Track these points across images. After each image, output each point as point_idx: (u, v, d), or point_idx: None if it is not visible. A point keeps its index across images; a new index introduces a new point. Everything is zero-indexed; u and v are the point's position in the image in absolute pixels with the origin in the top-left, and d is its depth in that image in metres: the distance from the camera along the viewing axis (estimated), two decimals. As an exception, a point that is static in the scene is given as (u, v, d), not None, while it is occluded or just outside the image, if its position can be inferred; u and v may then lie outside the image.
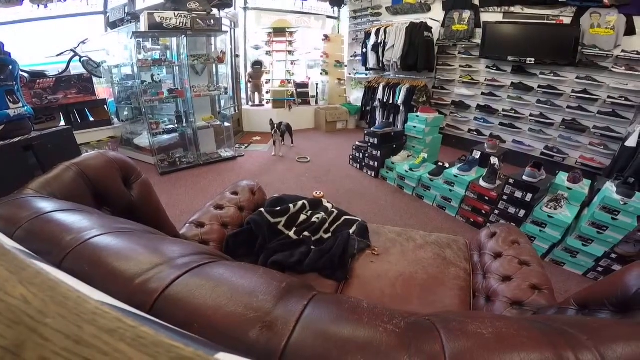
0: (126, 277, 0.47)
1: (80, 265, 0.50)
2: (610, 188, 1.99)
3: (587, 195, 2.24)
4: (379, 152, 3.42)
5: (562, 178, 2.38)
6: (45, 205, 0.65)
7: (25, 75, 3.22)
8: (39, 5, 3.72)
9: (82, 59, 3.75)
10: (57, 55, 3.76)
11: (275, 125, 4.00)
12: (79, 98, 3.70)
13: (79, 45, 3.79)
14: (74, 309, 0.25)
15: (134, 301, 0.40)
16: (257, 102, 5.68)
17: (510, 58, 3.88)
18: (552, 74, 3.64)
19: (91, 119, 3.96)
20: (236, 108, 5.30)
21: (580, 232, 2.02)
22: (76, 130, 2.50)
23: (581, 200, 2.23)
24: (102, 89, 4.23)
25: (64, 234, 0.55)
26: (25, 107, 2.00)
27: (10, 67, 1.91)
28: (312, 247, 1.31)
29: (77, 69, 3.79)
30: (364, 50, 5.27)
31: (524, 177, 2.22)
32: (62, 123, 3.64)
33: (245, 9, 5.32)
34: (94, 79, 3.88)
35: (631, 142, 2.84)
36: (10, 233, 0.56)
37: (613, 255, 1.92)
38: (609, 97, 3.29)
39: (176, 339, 0.25)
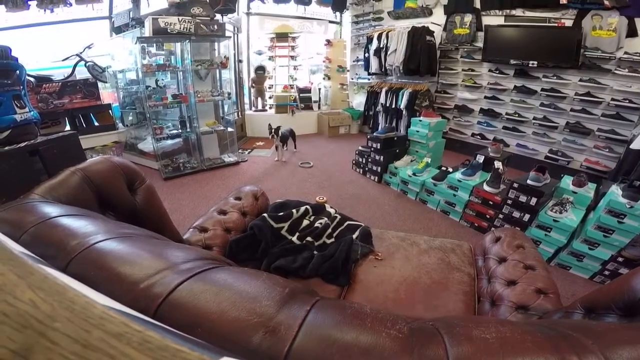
0: (130, 281, 0.47)
1: (85, 270, 0.50)
2: (615, 191, 1.98)
3: (592, 199, 2.22)
4: (381, 157, 3.42)
5: (567, 182, 2.37)
6: (51, 210, 0.66)
7: (32, 79, 3.26)
8: (45, 10, 3.78)
9: (87, 64, 3.79)
10: (63, 60, 3.80)
11: (274, 130, 3.97)
12: (84, 103, 3.74)
13: (84, 50, 3.83)
14: (81, 313, 0.25)
15: (138, 306, 0.40)
16: (260, 107, 5.71)
17: (512, 61, 3.87)
18: (555, 77, 3.63)
19: (96, 123, 4.00)
20: (239, 113, 5.33)
21: (586, 235, 2.00)
22: (81, 135, 2.52)
23: (586, 203, 2.21)
24: (107, 94, 4.26)
25: (69, 239, 0.56)
26: (32, 112, 2.03)
27: (17, 71, 1.94)
28: (315, 252, 1.31)
29: (82, 73, 3.83)
30: (366, 54, 5.29)
31: (528, 181, 2.21)
32: (68, 128, 3.68)
33: (248, 14, 5.36)
34: (99, 84, 3.92)
35: (636, 145, 2.82)
36: (16, 237, 0.56)
37: (620, 259, 1.90)
38: (612, 99, 3.28)
39: (181, 343, 0.25)
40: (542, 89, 3.76)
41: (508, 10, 3.94)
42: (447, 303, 1.12)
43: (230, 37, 4.29)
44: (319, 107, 6.04)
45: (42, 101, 3.40)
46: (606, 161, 3.41)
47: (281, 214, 1.45)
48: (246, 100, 5.75)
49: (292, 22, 5.70)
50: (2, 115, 1.85)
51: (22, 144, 1.88)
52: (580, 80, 3.46)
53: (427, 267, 1.27)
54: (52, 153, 1.99)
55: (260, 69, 5.47)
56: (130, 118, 4.22)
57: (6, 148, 1.80)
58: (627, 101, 3.19)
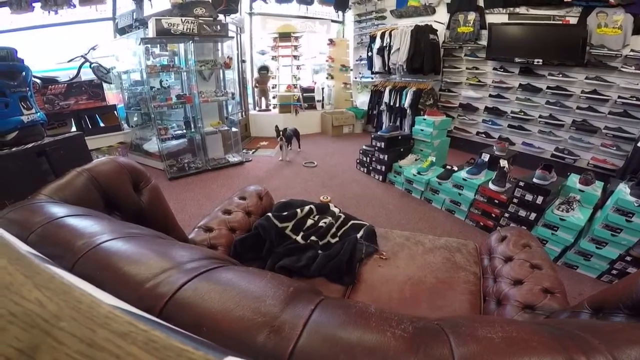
0: (136, 281, 0.48)
1: (91, 269, 0.51)
2: (623, 189, 1.95)
3: (599, 197, 2.19)
4: (386, 156, 3.41)
5: (574, 180, 2.34)
6: (58, 210, 0.66)
7: (38, 81, 3.29)
8: (49, 12, 3.82)
9: (92, 65, 3.82)
10: (68, 62, 3.84)
11: (281, 132, 4.02)
12: (90, 104, 3.77)
13: (89, 51, 3.86)
14: (87, 312, 0.25)
15: (143, 305, 0.41)
16: (263, 107, 5.72)
17: (517, 59, 3.84)
18: (560, 75, 3.60)
19: (101, 124, 4.03)
20: (243, 113, 5.34)
21: (593, 234, 1.98)
22: (87, 136, 2.53)
23: (594, 202, 2.19)
24: (112, 95, 4.30)
25: (76, 239, 0.56)
26: (38, 113, 2.04)
27: (24, 73, 1.95)
28: (320, 251, 1.31)
29: (87, 75, 3.87)
30: (369, 53, 5.28)
31: (535, 180, 2.19)
32: (74, 129, 3.72)
33: (250, 14, 5.37)
34: (104, 85, 3.95)
35: (644, 143, 2.79)
36: (24, 237, 0.57)
37: (628, 258, 1.87)
38: (619, 97, 3.24)
39: (186, 342, 0.26)
40: (548, 87, 3.73)
41: (512, 8, 3.91)
42: (452, 302, 1.11)
43: (233, 37, 4.30)
44: (323, 107, 6.04)
45: (49, 102, 3.43)
46: (613, 159, 3.38)
47: (285, 213, 1.45)
48: (250, 100, 5.76)
49: (294, 21, 5.71)
50: (9, 116, 1.86)
51: (29, 145, 1.90)
52: (586, 78, 3.42)
53: (432, 267, 1.27)
54: (59, 154, 2.00)
55: (264, 69, 5.49)
56: (135, 119, 4.25)
57: (13, 149, 1.82)
58: (635, 99, 3.15)
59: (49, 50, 4.04)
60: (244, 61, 5.34)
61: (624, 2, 3.10)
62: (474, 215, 2.62)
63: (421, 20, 4.70)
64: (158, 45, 3.65)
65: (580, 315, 0.81)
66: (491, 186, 2.45)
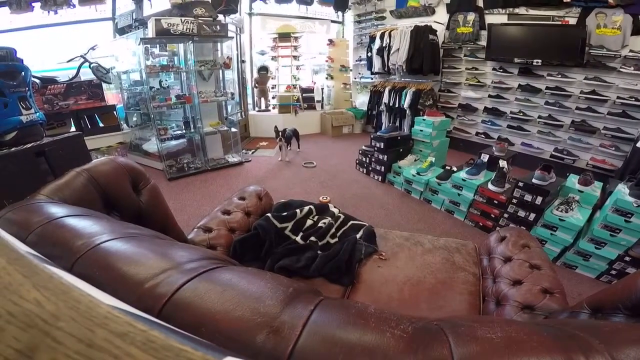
0: (135, 281, 0.48)
1: (90, 270, 0.51)
2: (622, 190, 1.96)
3: (599, 198, 2.20)
4: (385, 157, 3.41)
5: (573, 180, 2.35)
6: (57, 210, 0.66)
7: (37, 81, 3.28)
8: (49, 12, 3.81)
9: (91, 65, 3.82)
10: (68, 62, 3.83)
11: (280, 133, 4.02)
12: (89, 104, 3.76)
13: (88, 51, 3.86)
14: (86, 312, 0.25)
15: (142, 305, 0.41)
16: (263, 107, 5.72)
17: (516, 60, 3.85)
18: (559, 75, 3.61)
19: (101, 124, 4.03)
20: (243, 113, 5.34)
21: (592, 235, 1.98)
22: (86, 136, 2.52)
23: (593, 202, 2.19)
24: (112, 95, 4.29)
25: (75, 239, 0.56)
26: (37, 113, 2.03)
27: (23, 73, 1.94)
28: (319, 252, 1.31)
29: (87, 75, 3.86)
30: (369, 54, 5.28)
31: (534, 180, 2.20)
32: (73, 129, 3.71)
33: (250, 14, 5.37)
34: (104, 85, 3.94)
35: (643, 144, 2.80)
36: (22, 237, 0.57)
37: (627, 258, 1.88)
38: (618, 97, 3.24)
39: (185, 342, 0.25)
40: (547, 88, 3.74)
41: (511, 9, 3.92)
42: (451, 303, 1.11)
43: (232, 37, 4.30)
44: (322, 107, 6.04)
45: (48, 102, 3.43)
46: (613, 160, 3.38)
47: (285, 213, 1.45)
48: (249, 100, 5.76)
49: (294, 22, 5.71)
50: (8, 116, 1.86)
51: (28, 145, 1.89)
52: (585, 78, 3.43)
53: (431, 267, 1.27)
54: (58, 154, 1.99)
55: (263, 69, 5.48)
56: (135, 119, 4.24)
57: (12, 149, 1.81)
58: (633, 99, 3.15)
59: (49, 50, 4.03)
60: (243, 61, 5.34)
61: (623, 2, 3.10)
62: (473, 216, 2.62)
63: (421, 21, 4.70)
64: (157, 46, 3.65)
65: (579, 316, 0.81)
66: (490, 187, 2.45)
